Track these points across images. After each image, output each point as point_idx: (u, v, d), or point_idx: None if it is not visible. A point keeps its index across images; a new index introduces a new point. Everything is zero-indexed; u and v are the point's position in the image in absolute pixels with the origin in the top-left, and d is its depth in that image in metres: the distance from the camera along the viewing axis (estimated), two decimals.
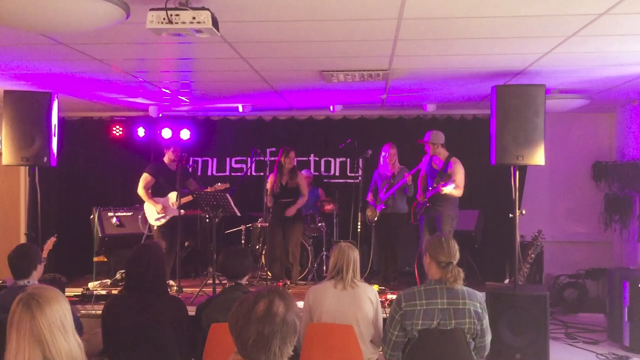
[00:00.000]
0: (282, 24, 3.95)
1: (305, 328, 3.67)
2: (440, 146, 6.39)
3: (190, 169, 7.06)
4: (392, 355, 3.33)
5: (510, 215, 5.31)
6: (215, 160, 8.58)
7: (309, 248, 7.25)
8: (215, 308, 3.53)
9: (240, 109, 7.78)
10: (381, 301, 4.01)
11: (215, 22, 3.20)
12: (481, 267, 7.14)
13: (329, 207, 7.72)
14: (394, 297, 3.45)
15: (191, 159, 8.12)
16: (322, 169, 8.47)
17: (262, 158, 7.38)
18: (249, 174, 8.05)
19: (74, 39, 4.25)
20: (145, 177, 6.68)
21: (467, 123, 8.17)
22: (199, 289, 6.15)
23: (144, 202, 6.72)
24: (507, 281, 6.32)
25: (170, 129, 7.95)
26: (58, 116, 5.62)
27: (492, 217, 7.51)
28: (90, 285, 6.59)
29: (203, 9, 3.13)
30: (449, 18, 3.81)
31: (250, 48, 4.63)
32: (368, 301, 3.75)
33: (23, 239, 7.01)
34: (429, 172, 6.51)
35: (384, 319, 3.63)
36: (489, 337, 3.33)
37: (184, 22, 3.11)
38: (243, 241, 7.43)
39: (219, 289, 5.61)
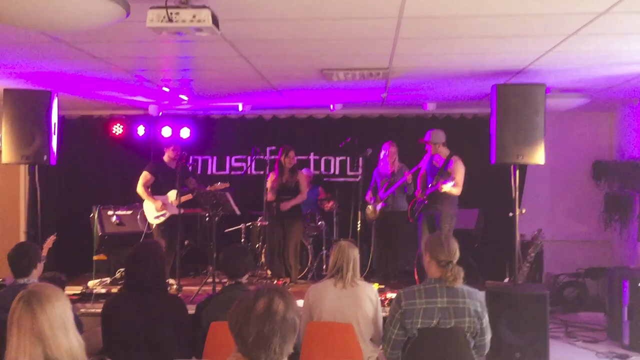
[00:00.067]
0: (282, 23, 3.95)
1: (305, 327, 3.67)
2: (441, 145, 6.39)
3: (190, 168, 7.06)
4: (392, 354, 3.33)
5: (510, 214, 5.31)
6: (215, 159, 8.58)
7: (309, 247, 7.25)
8: (215, 306, 3.53)
9: (241, 108, 7.78)
10: (381, 300, 4.01)
11: (215, 21, 3.19)
12: (481, 266, 7.13)
13: (328, 204, 7.73)
14: (394, 295, 3.45)
15: (191, 157, 8.12)
16: (322, 167, 8.47)
17: (262, 157, 7.38)
18: (248, 172, 8.05)
19: (74, 37, 4.25)
20: (144, 176, 6.68)
21: (467, 122, 8.17)
22: (198, 288, 6.15)
23: (143, 200, 6.72)
24: (507, 280, 6.32)
25: (170, 128, 7.94)
26: (58, 115, 5.61)
27: (492, 216, 7.50)
28: (90, 283, 6.59)
29: (203, 7, 3.13)
30: (449, 17, 3.81)
31: (250, 46, 4.63)
32: (368, 300, 3.75)
33: (23, 238, 7.03)
34: (429, 169, 6.51)
35: (384, 318, 3.63)
36: (488, 336, 3.33)
37: (184, 21, 3.11)
38: (243, 240, 7.43)
39: (218, 288, 5.62)
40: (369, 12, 3.71)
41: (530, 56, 4.95)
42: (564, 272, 7.79)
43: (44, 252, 4.76)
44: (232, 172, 8.42)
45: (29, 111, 5.40)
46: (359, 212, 7.06)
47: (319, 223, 7.53)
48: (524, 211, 5.41)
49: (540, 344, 4.97)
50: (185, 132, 8.05)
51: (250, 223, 7.49)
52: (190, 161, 7.96)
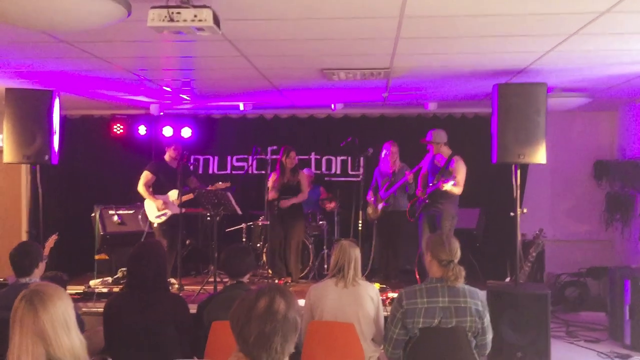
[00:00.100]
0: (283, 22, 3.95)
1: (306, 326, 3.67)
2: (443, 145, 6.40)
3: (191, 167, 7.06)
4: (393, 354, 3.33)
5: (512, 213, 5.31)
6: (216, 158, 8.59)
7: (310, 246, 7.26)
8: (217, 306, 3.54)
9: (242, 107, 7.78)
10: (382, 299, 4.01)
11: (216, 20, 3.20)
12: (482, 265, 7.12)
13: (330, 205, 7.73)
14: (395, 295, 3.45)
15: (192, 157, 8.12)
16: (324, 167, 8.47)
17: (263, 156, 7.38)
18: (250, 172, 8.05)
19: (76, 36, 4.25)
20: (145, 175, 6.69)
21: (468, 121, 8.17)
22: (200, 287, 6.15)
23: (144, 200, 6.73)
24: (508, 280, 6.31)
25: (172, 127, 7.94)
26: (59, 114, 5.62)
27: (494, 215, 7.50)
28: (92, 283, 6.60)
29: (204, 6, 3.13)
30: (450, 16, 3.81)
31: (251, 46, 4.63)
32: (369, 299, 3.75)
33: (24, 237, 7.02)
34: (430, 169, 6.52)
35: (385, 317, 3.63)
36: (490, 336, 3.33)
37: (185, 20, 3.11)
38: (244, 239, 7.44)
39: (220, 287, 5.62)
40: (370, 12, 3.71)
41: (531, 56, 4.95)
42: (565, 272, 7.78)
43: (46, 252, 4.77)
44: (234, 172, 8.42)
45: (30, 111, 5.41)
46: (360, 212, 7.07)
47: (320, 223, 7.53)
48: (525, 211, 5.41)
49: (541, 343, 4.96)
50: (186, 132, 8.05)
51: (251, 222, 7.49)
52: (192, 161, 7.97)
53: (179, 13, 3.11)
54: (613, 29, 4.07)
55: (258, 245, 7.39)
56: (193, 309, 3.66)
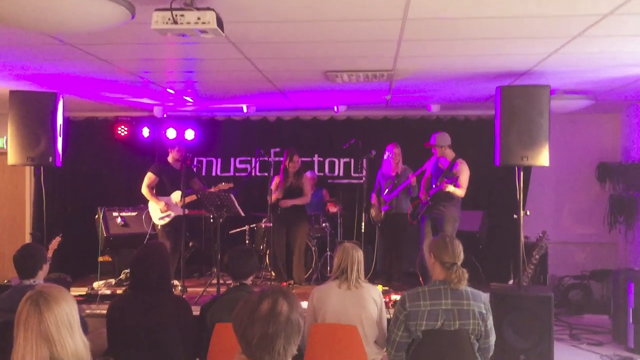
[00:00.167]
0: (286, 24, 3.96)
1: (309, 328, 3.67)
2: (447, 148, 6.40)
3: (194, 169, 7.08)
4: (396, 356, 3.33)
5: (515, 216, 5.30)
6: (219, 160, 8.60)
7: (313, 248, 7.25)
8: (220, 308, 3.54)
9: (245, 110, 7.79)
10: (385, 302, 4.01)
11: (220, 23, 3.20)
12: (485, 268, 7.12)
13: (334, 209, 7.73)
14: (398, 297, 3.45)
15: (195, 159, 8.13)
16: (326, 169, 8.48)
17: (266, 158, 7.39)
18: (253, 174, 8.06)
19: (79, 39, 4.26)
20: (149, 176, 6.71)
21: (471, 124, 8.17)
22: (203, 289, 6.16)
23: (148, 201, 6.74)
24: (511, 282, 6.31)
25: (175, 129, 7.96)
26: (63, 116, 5.64)
27: (497, 218, 7.50)
28: (95, 284, 6.61)
29: (208, 9, 3.14)
30: (453, 19, 3.81)
31: (254, 48, 4.64)
32: (372, 301, 3.75)
33: (28, 239, 7.04)
34: (434, 172, 6.52)
35: (388, 320, 3.63)
36: (493, 338, 3.32)
37: (188, 23, 3.12)
38: (247, 241, 7.44)
39: (223, 289, 5.63)
40: (373, 14, 3.71)
41: (534, 58, 4.95)
42: (568, 274, 7.76)
43: (49, 254, 4.78)
44: (237, 174, 8.43)
45: (34, 113, 5.42)
46: (363, 214, 7.07)
47: (324, 225, 7.53)
48: (528, 213, 5.41)
49: (544, 346, 4.95)
50: (189, 134, 8.06)
51: (254, 224, 7.50)
52: (195, 162, 7.98)
53: (182, 15, 3.11)
54: (616, 31, 4.07)
55: (261, 247, 7.39)
56: (196, 311, 3.67)
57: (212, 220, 6.52)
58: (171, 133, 7.92)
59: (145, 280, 3.37)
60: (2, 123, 5.91)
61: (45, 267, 3.87)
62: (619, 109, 7.96)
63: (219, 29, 3.20)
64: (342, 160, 8.46)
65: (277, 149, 8.05)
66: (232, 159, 8.57)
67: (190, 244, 7.51)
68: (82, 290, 6.21)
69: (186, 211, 6.40)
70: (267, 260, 7.14)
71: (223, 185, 6.64)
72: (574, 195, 8.32)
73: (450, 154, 6.41)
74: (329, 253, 7.32)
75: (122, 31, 3.83)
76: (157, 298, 3.37)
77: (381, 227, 7.20)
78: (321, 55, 4.89)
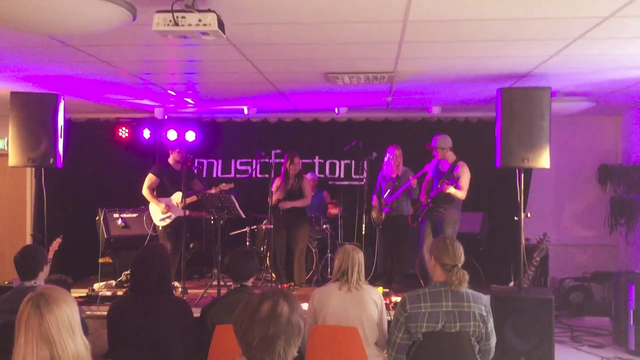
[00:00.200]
0: (287, 27, 3.96)
1: (309, 330, 3.67)
2: (448, 150, 6.41)
3: (195, 170, 7.08)
4: (396, 358, 3.32)
5: (515, 218, 5.30)
6: (220, 162, 8.61)
7: (314, 250, 7.25)
8: (220, 309, 3.54)
9: (246, 111, 7.79)
10: (386, 304, 4.01)
11: (221, 25, 3.21)
12: (486, 270, 7.12)
13: (334, 211, 7.73)
14: (399, 299, 3.44)
15: (196, 160, 8.13)
16: (327, 171, 8.48)
17: (267, 160, 7.39)
18: (254, 176, 8.06)
19: (81, 40, 4.27)
20: (150, 178, 6.71)
21: (472, 125, 8.17)
22: (203, 291, 6.16)
23: (149, 203, 6.75)
24: (512, 284, 6.30)
25: (176, 131, 7.97)
26: (64, 118, 5.65)
27: (497, 219, 7.49)
28: (96, 286, 6.61)
29: (209, 11, 3.14)
30: (454, 20, 3.81)
31: (255, 50, 4.65)
32: (373, 303, 3.75)
33: (29, 240, 7.04)
34: (435, 175, 6.52)
35: (389, 322, 3.62)
36: (493, 341, 3.32)
37: (190, 25, 3.12)
38: (248, 243, 7.44)
39: (223, 291, 5.62)
40: (374, 16, 3.72)
41: (535, 60, 4.95)
42: (569, 276, 7.76)
43: (50, 255, 4.78)
44: (238, 175, 8.43)
45: (35, 114, 5.43)
46: (364, 216, 7.07)
47: (324, 227, 7.53)
48: (529, 215, 5.41)
49: (545, 348, 4.95)
50: (190, 135, 8.07)
51: (255, 226, 7.50)
52: (196, 164, 7.98)
53: (183, 17, 3.12)
54: (617, 33, 4.07)
55: (262, 249, 7.39)
56: (197, 312, 3.67)
57: (212, 222, 6.52)
58: (172, 135, 7.93)
59: (146, 281, 3.37)
60: (3, 124, 5.92)
61: (46, 269, 3.87)
62: (620, 111, 7.96)
63: (220, 31, 3.20)
64: (342, 162, 8.47)
65: (278, 151, 8.05)
66: (232, 161, 8.58)
67: (191, 245, 7.51)
68: (83, 292, 6.21)
69: (187, 212, 6.40)
70: (268, 262, 7.14)
71: (224, 186, 6.65)
72: (575, 197, 8.31)
73: (451, 156, 6.41)
74: (329, 255, 7.32)
75: (123, 33, 3.83)
76: (158, 299, 3.37)
77: (382, 229, 7.20)
78: (322, 57, 4.90)
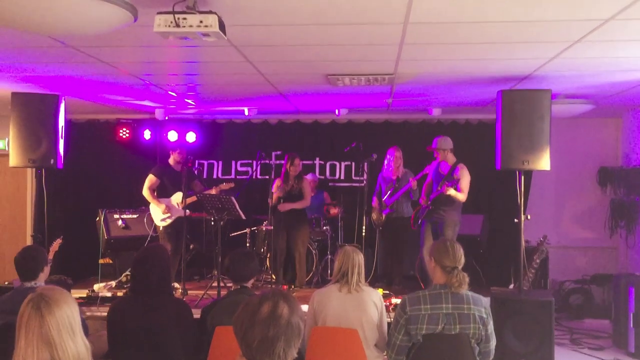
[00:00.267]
0: (288, 28, 3.97)
1: (309, 331, 3.67)
2: (449, 152, 6.42)
3: (195, 172, 7.09)
4: None
5: (516, 220, 5.30)
6: (220, 163, 8.61)
7: (314, 252, 7.25)
8: (221, 311, 3.54)
9: (246, 112, 7.80)
10: (386, 305, 4.01)
11: (222, 26, 3.21)
12: (486, 272, 7.12)
13: (334, 211, 7.74)
14: (399, 301, 3.45)
15: (197, 161, 8.13)
16: (328, 172, 8.48)
17: (267, 161, 7.40)
18: (254, 177, 8.07)
19: (82, 41, 4.28)
20: (150, 178, 6.72)
21: (472, 127, 8.18)
22: (203, 292, 6.16)
23: (149, 204, 6.75)
24: (512, 286, 6.30)
25: (176, 132, 7.98)
26: (65, 118, 5.65)
27: (497, 222, 7.50)
28: (96, 287, 6.60)
29: (210, 12, 3.15)
30: (455, 23, 3.82)
31: (256, 52, 4.65)
32: (373, 305, 3.75)
33: (29, 241, 7.05)
34: (435, 177, 6.53)
35: (389, 323, 3.63)
36: (493, 343, 3.32)
37: (191, 26, 3.12)
38: (248, 244, 7.44)
39: (223, 292, 5.62)
40: (374, 18, 3.72)
41: (536, 62, 4.96)
42: (569, 279, 7.76)
43: (50, 256, 4.78)
44: (238, 177, 8.43)
45: (36, 115, 5.43)
46: (364, 217, 7.07)
47: (324, 228, 7.53)
48: (529, 217, 5.41)
49: (545, 350, 4.95)
50: (191, 137, 8.08)
51: (255, 227, 7.50)
52: (196, 165, 7.99)
53: (184, 19, 3.12)
54: (617, 36, 4.08)
55: (262, 250, 7.39)
56: (196, 313, 3.67)
57: (213, 223, 6.53)
58: (172, 136, 7.94)
59: (146, 282, 3.37)
60: (4, 125, 5.92)
61: (46, 269, 3.86)
62: (620, 113, 7.96)
63: (221, 32, 3.20)
64: (343, 164, 8.47)
65: (279, 152, 8.06)
66: (233, 162, 8.58)
67: (191, 246, 7.51)
68: (83, 293, 6.21)
69: (187, 212, 6.41)
70: (268, 264, 7.14)
71: (224, 185, 6.66)
72: (575, 200, 8.31)
73: (451, 158, 6.42)
74: (329, 256, 7.32)
75: (125, 34, 3.84)
76: (158, 300, 3.37)
77: (382, 231, 7.20)
78: (323, 59, 4.90)
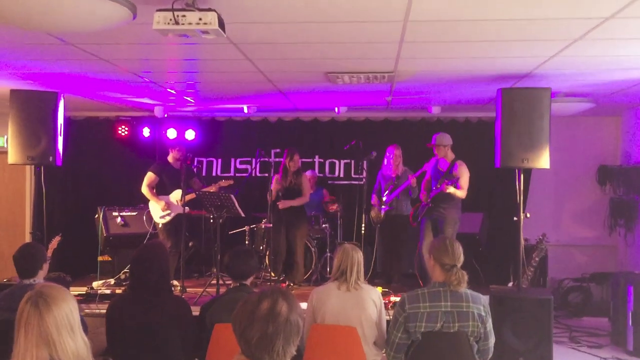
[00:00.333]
0: (288, 26, 3.96)
1: (308, 329, 3.67)
2: (448, 148, 6.42)
3: (194, 169, 7.08)
4: (395, 358, 3.33)
5: (515, 218, 5.31)
6: (220, 161, 8.61)
7: (313, 249, 7.25)
8: (220, 308, 3.54)
9: (246, 110, 7.79)
10: (384, 303, 4.01)
11: (221, 24, 3.20)
12: (485, 270, 7.12)
13: (333, 207, 7.73)
14: (398, 299, 3.45)
15: (196, 159, 8.13)
16: (327, 170, 8.48)
17: (266, 159, 7.39)
18: (253, 174, 8.06)
19: (81, 39, 4.27)
20: (149, 176, 6.72)
21: (472, 125, 8.17)
22: (202, 290, 6.16)
23: (148, 201, 6.75)
24: (511, 284, 6.30)
25: (176, 129, 7.97)
26: (64, 116, 5.64)
27: (497, 220, 7.50)
28: (95, 284, 6.61)
29: (209, 10, 3.14)
30: (454, 21, 3.81)
31: (256, 49, 4.64)
32: (372, 303, 3.75)
33: (28, 238, 7.05)
34: (433, 174, 6.53)
35: (388, 321, 3.63)
36: (492, 341, 3.32)
37: (190, 23, 3.12)
38: (247, 242, 7.44)
39: (222, 290, 5.63)
40: (374, 16, 3.71)
41: (535, 60, 4.95)
42: (568, 277, 7.76)
43: (49, 253, 4.79)
44: (237, 174, 8.42)
45: (35, 112, 5.43)
46: (363, 215, 7.07)
47: (323, 226, 7.53)
48: (528, 215, 5.42)
49: (544, 348, 4.96)
50: (190, 134, 8.07)
51: (254, 225, 7.50)
52: (195, 163, 7.99)
53: (184, 16, 3.11)
54: (617, 34, 4.07)
55: (261, 247, 7.39)
56: (196, 311, 3.67)
57: (212, 221, 6.52)
58: (172, 133, 7.93)
59: (145, 280, 3.37)
60: (3, 122, 5.91)
61: (45, 267, 3.86)
62: (620, 112, 7.96)
63: (220, 30, 3.20)
64: (342, 162, 8.46)
65: (278, 150, 8.05)
66: (232, 160, 8.58)
67: (190, 244, 7.51)
68: (82, 290, 6.21)
69: (187, 209, 6.41)
70: (267, 261, 7.15)
71: (223, 183, 6.65)
72: (574, 198, 8.32)
73: (450, 155, 6.43)
74: (328, 254, 7.32)
75: (124, 31, 3.83)
76: (157, 298, 3.37)
77: (381, 228, 7.20)
78: (322, 57, 4.90)
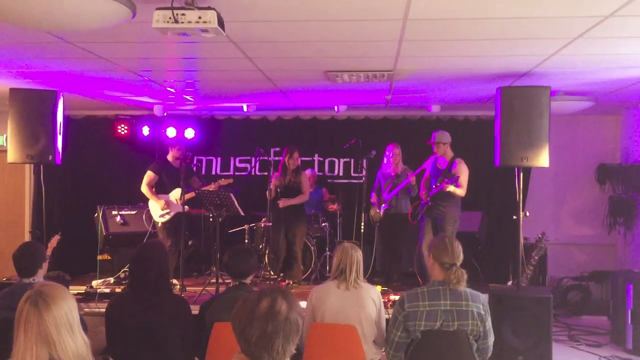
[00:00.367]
0: (287, 24, 3.96)
1: (308, 328, 3.67)
2: (447, 146, 6.43)
3: (194, 168, 7.08)
4: (394, 356, 3.33)
5: (514, 217, 5.31)
6: (219, 159, 8.60)
7: (313, 248, 7.25)
8: (219, 307, 3.54)
9: (245, 109, 7.79)
10: (384, 302, 4.01)
11: (221, 22, 3.20)
12: (484, 268, 7.13)
13: (333, 206, 7.73)
14: (397, 297, 3.45)
15: (195, 158, 8.13)
16: (326, 169, 8.48)
17: (266, 158, 7.39)
18: (253, 173, 8.06)
19: (80, 37, 4.26)
20: (148, 175, 6.71)
21: (471, 124, 8.17)
22: (202, 288, 6.16)
23: (148, 200, 6.75)
24: (510, 283, 6.31)
25: (175, 128, 7.96)
26: (63, 114, 5.64)
27: (496, 218, 7.50)
28: (94, 283, 6.61)
29: (209, 8, 3.14)
30: (454, 19, 3.81)
31: (255, 48, 4.64)
32: (371, 302, 3.75)
33: (28, 237, 7.05)
34: (433, 172, 6.53)
35: (387, 320, 3.63)
36: (491, 339, 3.32)
37: (189, 22, 3.11)
38: (246, 241, 7.44)
39: (222, 288, 5.63)
40: (374, 15, 3.71)
41: (535, 59, 4.95)
42: (567, 276, 7.77)
43: (49, 252, 4.79)
44: (236, 173, 8.43)
45: (34, 111, 5.43)
46: (363, 214, 7.07)
47: (323, 224, 7.53)
48: (527, 214, 5.42)
49: (543, 347, 4.96)
50: (189, 133, 8.06)
51: (254, 224, 7.50)
52: (195, 161, 7.98)
53: (183, 14, 3.11)
54: (617, 32, 4.07)
55: (260, 246, 7.39)
56: (195, 309, 3.67)
57: (211, 220, 6.52)
58: (171, 132, 7.92)
59: (144, 278, 3.37)
60: (2, 121, 5.91)
61: (45, 266, 3.86)
62: (620, 110, 7.96)
63: (219, 28, 3.19)
64: (342, 160, 8.46)
65: (277, 149, 8.05)
66: (232, 158, 8.57)
67: (190, 242, 7.51)
68: (81, 289, 6.21)
69: (186, 208, 6.40)
70: (267, 260, 7.15)
71: (222, 181, 6.65)
72: (574, 197, 8.32)
73: (449, 153, 6.44)
74: (328, 253, 7.32)
75: (123, 30, 3.83)
76: (156, 297, 3.37)
77: (380, 227, 7.20)
78: (322, 55, 4.89)
